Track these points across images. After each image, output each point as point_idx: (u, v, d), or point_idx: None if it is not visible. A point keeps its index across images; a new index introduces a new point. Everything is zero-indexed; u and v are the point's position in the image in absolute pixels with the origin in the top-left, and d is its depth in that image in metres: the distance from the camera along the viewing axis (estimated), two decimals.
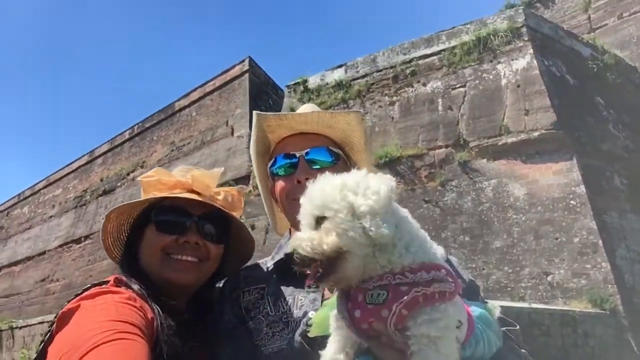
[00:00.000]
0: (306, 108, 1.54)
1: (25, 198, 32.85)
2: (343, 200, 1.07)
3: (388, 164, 13.78)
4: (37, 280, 27.44)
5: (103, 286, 1.23)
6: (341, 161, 1.50)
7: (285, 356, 1.28)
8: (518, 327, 1.39)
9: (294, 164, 1.44)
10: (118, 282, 1.25)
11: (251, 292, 1.41)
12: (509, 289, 10.96)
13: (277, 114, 1.47)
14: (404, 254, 1.05)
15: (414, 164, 13.47)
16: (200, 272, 1.40)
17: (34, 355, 1.19)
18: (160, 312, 1.22)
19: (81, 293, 1.20)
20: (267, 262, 1.49)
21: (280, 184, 1.47)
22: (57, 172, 30.38)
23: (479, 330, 1.15)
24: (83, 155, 28.33)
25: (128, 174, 24.10)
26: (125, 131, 25.75)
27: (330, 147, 1.49)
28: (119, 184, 24.52)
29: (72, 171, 28.82)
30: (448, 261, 1.42)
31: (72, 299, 1.18)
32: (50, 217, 29.25)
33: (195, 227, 1.39)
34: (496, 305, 1.36)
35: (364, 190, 1.08)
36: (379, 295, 1.03)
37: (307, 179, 1.35)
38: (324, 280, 1.06)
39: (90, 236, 25.13)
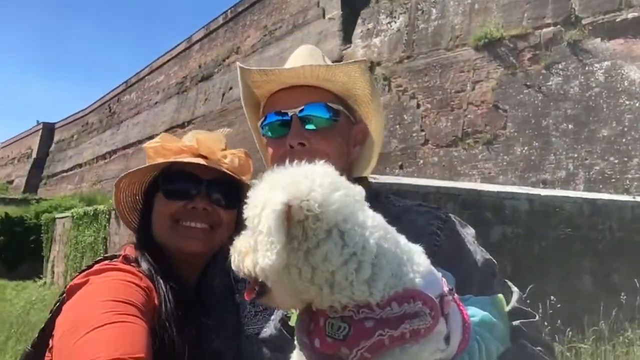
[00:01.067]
0: (300, 55, 1.30)
1: (132, 85, 34.72)
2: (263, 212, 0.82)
3: (487, 46, 12.85)
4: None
5: (113, 261, 1.23)
6: (342, 118, 1.26)
7: (265, 340, 1.17)
8: (537, 317, 1.19)
9: (285, 122, 1.21)
10: (126, 260, 1.24)
11: None
12: (613, 180, 10.29)
13: (262, 69, 1.24)
14: (366, 291, 0.82)
15: (517, 45, 12.44)
16: (211, 239, 1.34)
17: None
18: (167, 294, 1.19)
19: (91, 266, 1.20)
20: None
21: (271, 148, 1.26)
22: (158, 59, 31.52)
23: (476, 341, 0.98)
24: (181, 42, 28.98)
25: (224, 60, 24.49)
26: (219, 16, 25.78)
27: (328, 103, 1.23)
28: (215, 70, 25.07)
29: (172, 58, 29.75)
30: (458, 236, 1.22)
31: (82, 271, 1.19)
32: (156, 103, 30.88)
33: (205, 193, 1.33)
34: (514, 290, 1.18)
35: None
36: (340, 329, 0.84)
37: (301, 144, 1.19)
38: (259, 301, 0.89)
39: (192, 121, 26.38)
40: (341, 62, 1.25)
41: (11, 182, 51.60)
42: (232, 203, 1.36)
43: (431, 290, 0.89)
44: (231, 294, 1.26)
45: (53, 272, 19.22)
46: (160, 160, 1.32)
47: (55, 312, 1.12)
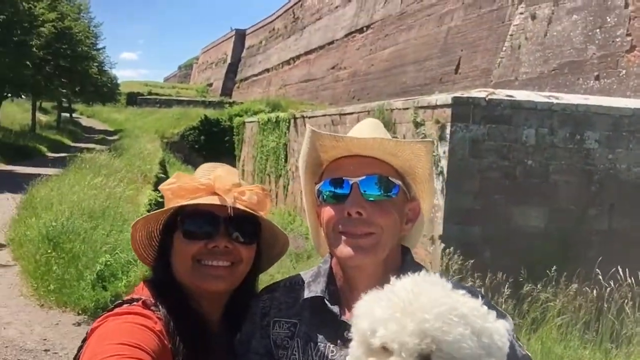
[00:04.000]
0: (368, 127, 1.32)
1: None
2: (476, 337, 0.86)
3: None
4: (328, 68, 30.39)
5: (132, 305, 1.23)
6: (400, 193, 1.27)
7: None
8: None
9: (344, 194, 1.23)
10: (145, 305, 1.23)
11: (282, 325, 1.30)
12: None
13: (333, 135, 1.24)
14: None
15: None
16: (233, 276, 1.34)
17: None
18: (184, 340, 1.20)
19: (112, 309, 1.23)
20: (303, 289, 1.33)
21: (327, 211, 1.26)
22: None
23: None
24: None
25: None
26: None
27: (390, 177, 1.25)
28: None
29: None
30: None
31: (102, 314, 1.22)
32: (336, 7, 30.91)
33: (224, 231, 1.31)
34: None
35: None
36: None
37: (358, 212, 1.19)
38: None
39: (371, 26, 26.04)
40: (409, 140, 1.30)
41: (210, 84, 57.05)
42: (251, 239, 1.36)
43: None
44: (270, 358, 1.27)
45: (243, 170, 21.29)
46: (179, 201, 1.32)
47: (80, 355, 1.16)
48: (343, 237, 1.19)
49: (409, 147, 1.23)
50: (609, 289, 5.21)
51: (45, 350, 4.86)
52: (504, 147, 7.76)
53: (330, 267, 1.30)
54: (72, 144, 33.19)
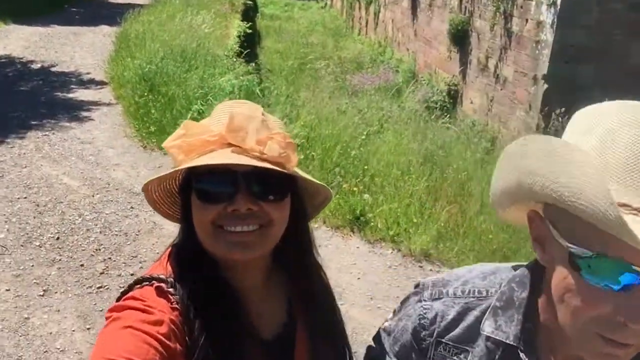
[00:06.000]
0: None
1: None
2: None
3: None
4: None
5: (145, 288, 1.05)
6: None
7: None
8: None
9: (630, 286, 0.72)
10: (159, 292, 1.04)
11: (449, 350, 0.98)
12: None
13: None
14: None
15: None
16: (264, 241, 1.08)
17: None
18: (201, 333, 1.02)
19: (132, 287, 1.07)
20: (480, 310, 0.96)
21: (586, 298, 0.76)
22: None
23: None
24: None
25: None
26: None
27: None
28: None
29: None
30: None
31: (122, 293, 1.07)
32: None
33: (245, 189, 1.03)
34: None
35: None
36: None
37: None
38: None
39: None
40: None
41: None
42: (279, 194, 1.09)
43: None
44: None
45: None
46: (187, 162, 1.07)
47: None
48: (603, 343, 0.77)
49: None
50: None
51: None
52: None
53: (532, 300, 0.91)
54: None
